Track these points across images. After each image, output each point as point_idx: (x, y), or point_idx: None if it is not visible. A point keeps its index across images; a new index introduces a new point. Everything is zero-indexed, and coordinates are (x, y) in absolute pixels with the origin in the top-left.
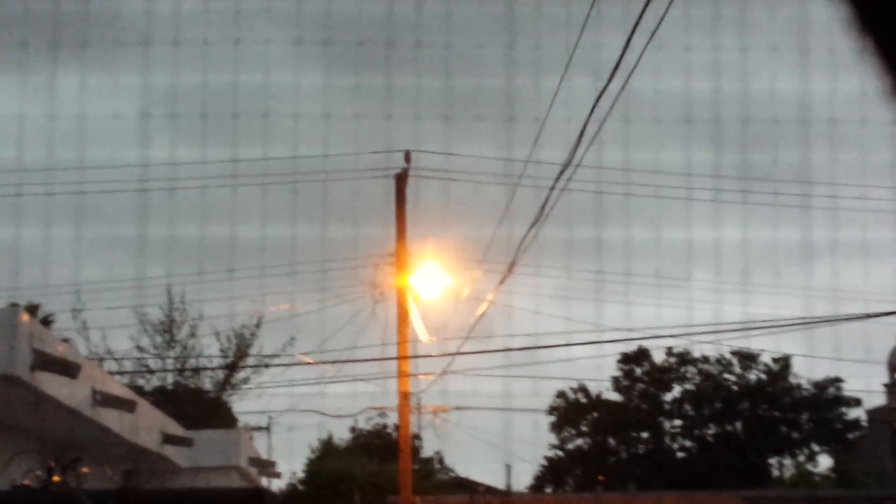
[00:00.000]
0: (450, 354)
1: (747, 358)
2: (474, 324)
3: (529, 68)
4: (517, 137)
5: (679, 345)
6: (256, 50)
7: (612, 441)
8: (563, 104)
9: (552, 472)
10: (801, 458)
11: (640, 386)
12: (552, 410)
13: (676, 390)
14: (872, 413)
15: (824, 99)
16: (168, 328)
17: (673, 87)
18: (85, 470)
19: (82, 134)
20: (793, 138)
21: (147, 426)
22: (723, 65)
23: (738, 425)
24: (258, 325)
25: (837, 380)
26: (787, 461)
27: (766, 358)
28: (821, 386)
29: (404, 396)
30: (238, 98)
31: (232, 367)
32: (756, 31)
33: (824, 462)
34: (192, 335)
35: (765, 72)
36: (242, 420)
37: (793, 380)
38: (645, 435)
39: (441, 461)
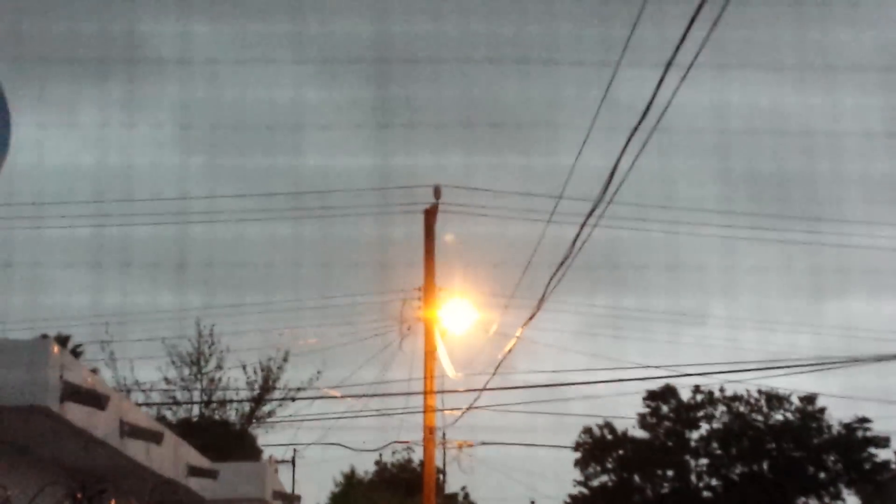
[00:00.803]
0: (476, 390)
1: (776, 398)
2: (501, 360)
3: (564, 103)
4: (550, 170)
5: (707, 383)
6: (285, 78)
7: (637, 478)
8: (597, 137)
9: None
10: (828, 500)
11: (667, 424)
12: (578, 446)
13: (703, 428)
14: None
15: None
16: (196, 360)
17: (704, 120)
18: (113, 502)
19: (104, 165)
20: (820, 175)
21: (173, 458)
22: (754, 98)
23: (765, 465)
24: (285, 359)
25: (865, 419)
26: (814, 502)
27: (794, 398)
28: (850, 427)
29: (430, 431)
30: (267, 132)
31: (258, 400)
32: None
33: (852, 503)
34: (220, 367)
35: (794, 104)
36: (267, 452)
37: (821, 419)
38: (671, 473)
39: (466, 496)
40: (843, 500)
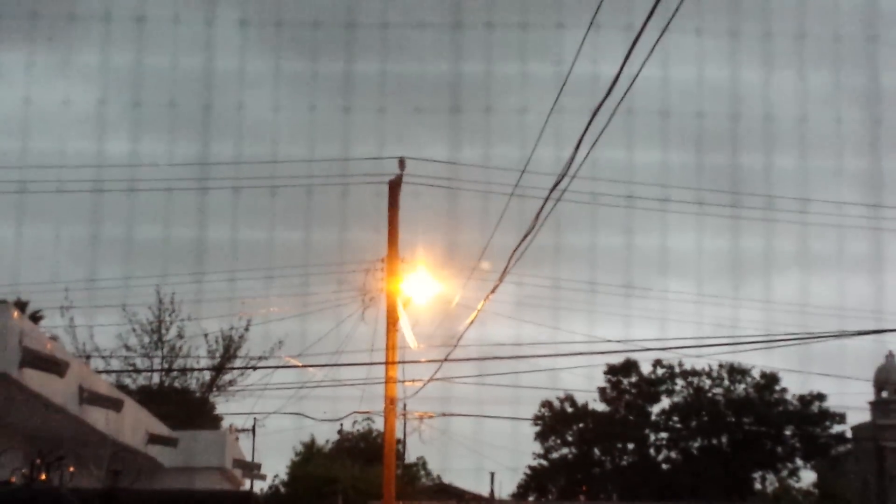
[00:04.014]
0: (437, 361)
1: (737, 371)
2: (463, 332)
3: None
4: (515, 144)
5: (667, 357)
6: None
7: (597, 451)
8: (563, 109)
9: (536, 481)
10: (785, 473)
11: (627, 397)
12: (537, 419)
13: (664, 402)
14: (857, 430)
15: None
16: (157, 328)
17: (672, 93)
18: (71, 469)
19: (56, 124)
20: (787, 146)
21: (133, 425)
22: (720, 72)
23: (724, 439)
24: (247, 328)
25: (821, 396)
26: (771, 476)
27: (753, 372)
28: (806, 401)
29: (390, 402)
30: (228, 97)
31: (219, 369)
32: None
33: (808, 477)
34: (181, 336)
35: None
36: (228, 421)
37: (779, 395)
38: (630, 446)
39: (424, 466)
40: (799, 476)
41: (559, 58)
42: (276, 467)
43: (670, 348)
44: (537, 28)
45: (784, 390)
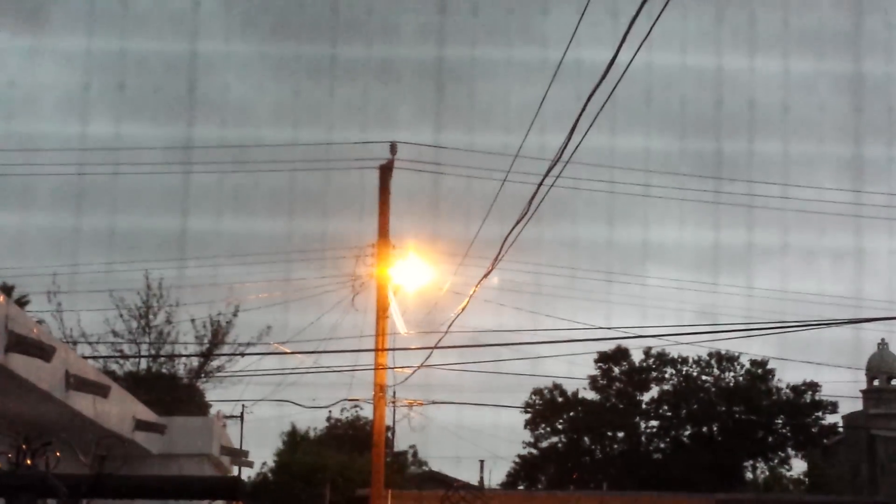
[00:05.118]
0: (427, 348)
1: (726, 359)
2: (454, 318)
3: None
4: (502, 126)
5: (658, 345)
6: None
7: (587, 440)
8: (558, 89)
9: (525, 470)
10: (775, 462)
11: (618, 385)
12: (527, 408)
13: (654, 391)
14: (849, 418)
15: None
16: (144, 313)
17: (667, 76)
18: (57, 454)
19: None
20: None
21: (120, 411)
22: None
23: (715, 427)
24: (235, 314)
25: (814, 384)
26: (762, 464)
27: (744, 360)
28: (798, 390)
29: (380, 389)
30: (213, 80)
31: (207, 355)
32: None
33: (799, 466)
34: (169, 321)
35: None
36: (216, 408)
37: (770, 383)
38: (621, 435)
39: (415, 455)
40: (790, 465)
41: (545, 41)
42: (263, 454)
43: (662, 335)
44: (522, 13)
45: (776, 378)
